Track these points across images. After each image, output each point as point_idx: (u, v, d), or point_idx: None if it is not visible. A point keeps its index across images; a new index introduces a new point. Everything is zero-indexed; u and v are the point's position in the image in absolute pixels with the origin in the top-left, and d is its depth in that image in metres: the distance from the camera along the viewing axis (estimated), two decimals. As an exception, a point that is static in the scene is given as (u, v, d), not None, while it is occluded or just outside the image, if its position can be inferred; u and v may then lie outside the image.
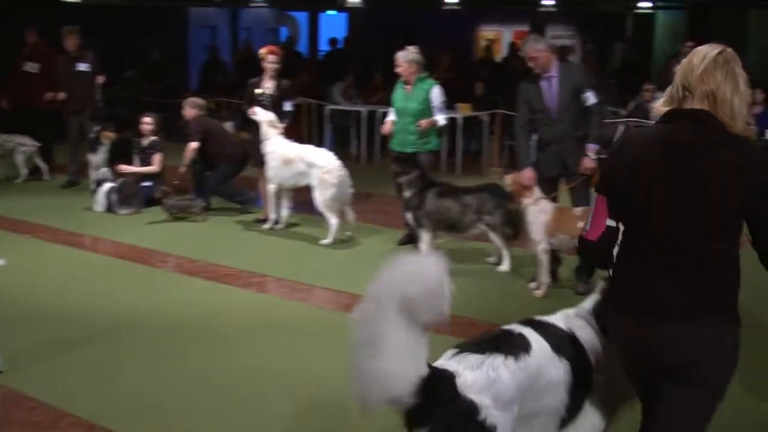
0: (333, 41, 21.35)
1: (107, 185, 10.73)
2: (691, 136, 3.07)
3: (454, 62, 17.08)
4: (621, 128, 13.25)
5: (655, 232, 3.11)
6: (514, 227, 8.19)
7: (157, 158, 11.06)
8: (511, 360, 3.25)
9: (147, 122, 11.21)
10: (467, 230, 8.35)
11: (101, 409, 5.16)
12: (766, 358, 5.81)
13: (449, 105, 10.76)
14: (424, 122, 8.82)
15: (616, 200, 3.23)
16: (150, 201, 10.74)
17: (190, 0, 23.33)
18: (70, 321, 6.73)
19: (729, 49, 3.14)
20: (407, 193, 8.45)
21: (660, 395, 3.18)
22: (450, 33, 21.61)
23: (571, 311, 3.77)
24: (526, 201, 7.44)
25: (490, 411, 3.08)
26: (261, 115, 9.63)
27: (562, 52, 15.03)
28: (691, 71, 3.11)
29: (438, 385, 3.07)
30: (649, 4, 21.27)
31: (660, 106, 3.24)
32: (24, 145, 12.50)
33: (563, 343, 3.52)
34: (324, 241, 9.15)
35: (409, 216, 8.48)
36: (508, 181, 7.66)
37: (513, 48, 19.26)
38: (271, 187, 9.67)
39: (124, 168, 11.02)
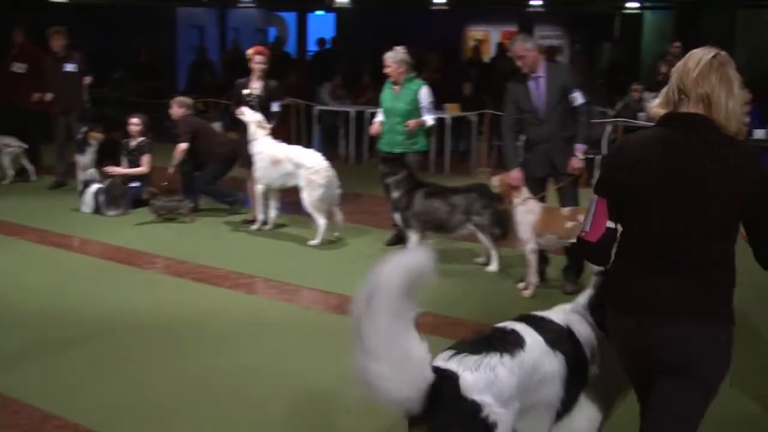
0: (321, 41, 21.34)
1: (95, 186, 10.69)
2: (689, 138, 3.14)
3: (443, 62, 17.10)
4: (609, 128, 13.29)
5: (656, 232, 3.17)
6: (502, 227, 8.20)
7: (145, 159, 11.02)
8: (507, 358, 3.28)
9: (134, 123, 11.16)
10: (455, 230, 8.35)
11: (88, 412, 5.13)
12: (754, 357, 5.84)
13: (437, 105, 10.76)
14: (411, 122, 8.81)
15: (616, 201, 3.27)
16: (138, 202, 10.70)
17: (178, 0, 23.29)
18: (57, 323, 6.70)
19: (723, 52, 3.22)
20: (395, 194, 8.45)
21: (656, 390, 3.23)
22: (438, 33, 21.62)
23: (567, 306, 3.83)
24: (515, 201, 7.45)
25: (492, 409, 3.13)
26: (249, 115, 9.61)
27: (549, 53, 15.09)
28: (686, 74, 3.18)
29: (441, 386, 3.10)
30: (637, 5, 21.32)
31: (656, 108, 3.31)
32: (10, 146, 12.44)
33: (558, 337, 3.56)
34: (312, 242, 9.13)
35: (397, 216, 8.48)
36: (496, 182, 7.66)
37: (501, 48, 19.29)
38: (259, 188, 9.66)
39: (113, 170, 10.98)
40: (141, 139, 11.12)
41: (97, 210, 10.55)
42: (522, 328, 3.51)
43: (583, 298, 3.82)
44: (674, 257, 3.14)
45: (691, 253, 3.13)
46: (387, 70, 8.95)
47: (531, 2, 20.34)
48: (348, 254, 8.92)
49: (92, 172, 11.24)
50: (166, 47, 22.22)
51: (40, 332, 6.46)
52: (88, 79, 12.34)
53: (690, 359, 3.13)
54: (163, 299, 7.37)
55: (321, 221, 9.13)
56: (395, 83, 8.99)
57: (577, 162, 7.48)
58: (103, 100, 16.42)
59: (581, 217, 7.03)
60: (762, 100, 12.45)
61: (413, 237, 8.33)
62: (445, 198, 8.31)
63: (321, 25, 25.66)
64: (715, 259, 3.14)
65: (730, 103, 3.13)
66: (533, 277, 7.52)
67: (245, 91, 9.87)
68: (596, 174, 12.72)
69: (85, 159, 11.45)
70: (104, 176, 10.96)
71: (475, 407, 3.12)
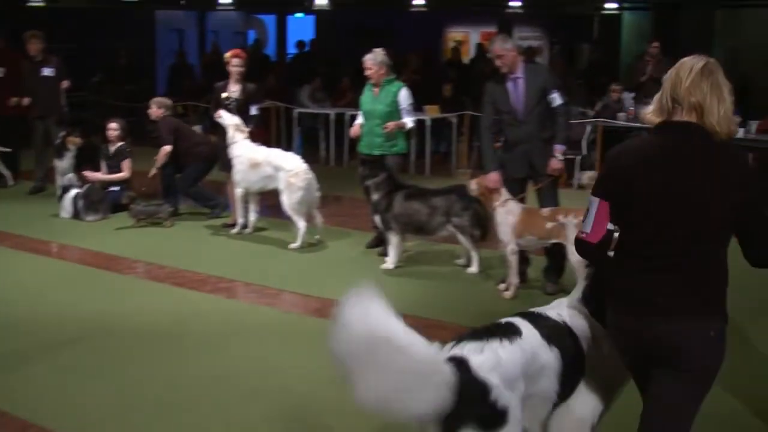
0: (300, 44, 21.29)
1: (73, 191, 10.62)
2: (684, 147, 3.29)
3: (422, 64, 17.12)
4: (588, 128, 13.33)
5: (655, 233, 3.31)
6: (482, 229, 8.21)
7: (126, 164, 10.96)
8: (506, 342, 3.45)
9: (113, 128, 11.08)
10: (436, 232, 8.35)
11: (68, 419, 5.10)
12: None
13: (417, 107, 10.76)
14: (390, 125, 8.79)
15: (617, 203, 3.39)
16: (117, 207, 10.65)
17: (157, 3, 23.20)
18: (36, 330, 6.65)
19: (712, 60, 3.37)
20: (375, 196, 8.44)
21: (654, 382, 3.38)
22: (418, 34, 21.62)
23: (563, 300, 3.96)
24: (494, 203, 7.45)
25: (501, 391, 3.28)
26: (226, 118, 9.59)
27: (528, 53, 15.16)
28: (678, 83, 3.32)
29: (457, 370, 3.25)
30: (615, 6, 21.40)
31: (650, 115, 3.43)
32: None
33: (553, 332, 3.68)
34: (292, 245, 9.11)
35: (377, 219, 8.47)
36: (473, 186, 7.65)
37: (481, 49, 19.32)
38: (239, 191, 9.63)
39: (95, 176, 10.89)
40: (120, 143, 11.06)
41: (76, 215, 10.48)
42: (518, 321, 3.65)
43: (578, 291, 3.93)
44: (674, 258, 3.29)
45: (690, 254, 3.28)
46: (368, 73, 8.93)
47: (510, 3, 20.38)
48: (328, 257, 8.91)
49: (71, 177, 11.16)
50: (145, 50, 22.10)
51: (19, 339, 6.41)
52: (65, 84, 12.29)
53: (685, 354, 3.27)
54: (142, 304, 7.33)
55: (301, 224, 9.11)
56: (375, 85, 8.97)
57: (556, 163, 7.49)
58: (82, 104, 16.33)
59: (561, 218, 7.10)
60: (741, 101, 12.51)
61: (393, 239, 8.32)
62: (424, 200, 8.31)
63: (300, 27, 25.62)
64: (712, 260, 3.31)
65: (722, 110, 3.27)
66: (514, 278, 7.53)
67: (224, 95, 9.84)
68: (576, 175, 12.78)
69: (63, 164, 11.39)
70: (83, 181, 10.90)
71: (485, 387, 3.26)
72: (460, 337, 3.49)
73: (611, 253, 3.50)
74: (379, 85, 8.93)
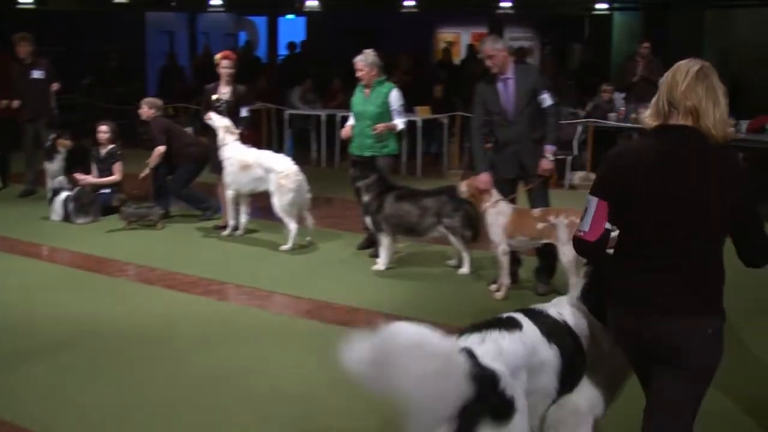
0: (291, 45, 21.29)
1: (64, 194, 10.60)
2: (681, 150, 3.34)
3: (413, 65, 17.12)
4: (579, 129, 13.34)
5: (655, 233, 3.35)
6: (473, 229, 8.21)
7: (117, 167, 10.94)
8: (506, 333, 3.53)
9: (103, 131, 11.05)
10: (427, 233, 8.35)
11: (57, 423, 5.09)
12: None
13: (408, 108, 10.75)
14: (380, 126, 8.77)
15: (617, 203, 3.42)
16: (107, 209, 10.62)
17: (147, 5, 23.16)
18: (26, 333, 6.62)
19: (707, 63, 3.42)
20: (366, 197, 8.44)
21: (656, 378, 3.44)
22: (408, 35, 21.62)
23: (563, 298, 4.01)
24: (485, 204, 7.45)
25: (506, 379, 3.32)
26: (217, 120, 9.57)
27: (519, 54, 15.17)
28: (675, 87, 3.38)
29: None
30: (606, 6, 21.43)
31: (648, 119, 3.48)
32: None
33: (553, 330, 3.73)
34: (284, 247, 9.10)
35: (368, 220, 8.46)
36: (463, 187, 7.63)
37: (471, 50, 19.33)
38: (230, 193, 9.62)
39: (86, 179, 10.85)
40: (111, 146, 11.03)
41: (67, 218, 10.45)
42: (519, 316, 3.70)
43: (576, 289, 3.97)
44: (674, 258, 3.34)
45: (690, 254, 3.34)
46: (359, 74, 8.91)
47: (501, 4, 20.39)
48: (319, 259, 8.89)
49: (61, 179, 11.14)
50: (135, 52, 22.06)
51: (9, 342, 6.39)
52: (55, 86, 12.24)
53: (685, 353, 3.33)
54: (134, 307, 7.32)
55: (292, 226, 9.10)
56: (366, 86, 8.96)
57: (546, 163, 7.50)
58: (72, 106, 16.28)
59: (552, 218, 7.10)
60: (732, 101, 12.53)
61: (384, 240, 8.32)
62: (415, 201, 8.31)
63: (291, 29, 25.61)
64: (710, 259, 3.37)
65: (717, 113, 3.33)
66: (505, 279, 7.53)
67: (214, 97, 9.82)
68: (567, 175, 12.79)
69: (54, 166, 11.36)
70: (73, 184, 10.87)
71: (494, 376, 3.30)
72: (462, 332, 3.55)
73: (610, 252, 3.54)
74: (370, 87, 8.92)
